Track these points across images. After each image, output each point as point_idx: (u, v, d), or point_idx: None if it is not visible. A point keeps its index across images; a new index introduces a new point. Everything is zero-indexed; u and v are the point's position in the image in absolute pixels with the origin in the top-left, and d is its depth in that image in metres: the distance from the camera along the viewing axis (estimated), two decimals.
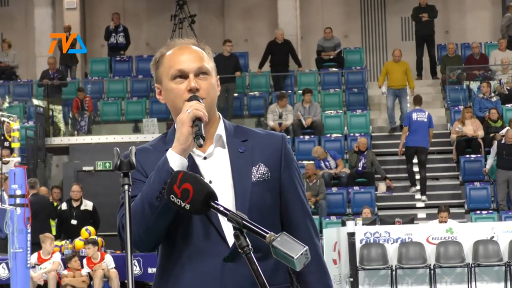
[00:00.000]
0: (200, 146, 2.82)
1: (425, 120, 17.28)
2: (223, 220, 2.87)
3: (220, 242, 2.86)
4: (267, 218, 2.96)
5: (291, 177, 3.06)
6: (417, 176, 17.60)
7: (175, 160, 2.83)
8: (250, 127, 3.15)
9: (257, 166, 3.00)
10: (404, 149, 17.42)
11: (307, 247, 2.51)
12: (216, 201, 2.60)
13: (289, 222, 3.05)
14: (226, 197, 2.92)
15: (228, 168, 2.98)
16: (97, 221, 15.37)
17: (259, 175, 2.99)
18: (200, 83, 2.96)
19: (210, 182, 2.92)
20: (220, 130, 3.03)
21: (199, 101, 2.90)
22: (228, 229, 2.86)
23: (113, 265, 13.36)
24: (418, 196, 17.42)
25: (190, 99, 2.91)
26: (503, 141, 16.65)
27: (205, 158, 2.98)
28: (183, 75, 2.98)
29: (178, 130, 2.86)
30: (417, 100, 17.86)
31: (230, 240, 2.73)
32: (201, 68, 2.99)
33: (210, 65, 3.03)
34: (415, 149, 17.27)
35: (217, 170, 2.97)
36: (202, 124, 2.84)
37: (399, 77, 18.77)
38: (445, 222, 14.33)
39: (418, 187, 17.49)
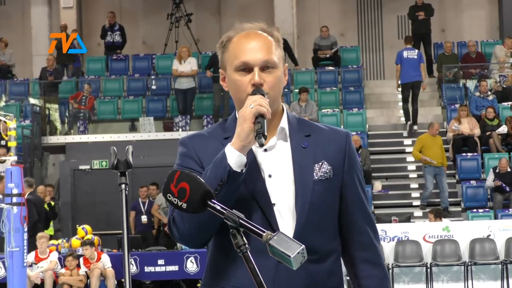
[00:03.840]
0: (261, 145, 2.69)
1: (416, 57, 18.36)
2: (280, 220, 2.81)
3: None
4: (326, 219, 2.87)
5: (353, 177, 2.94)
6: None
7: (234, 157, 2.71)
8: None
9: (320, 163, 2.87)
10: (400, 86, 18.31)
11: (303, 246, 2.44)
12: (213, 200, 2.56)
13: (348, 224, 2.94)
14: (285, 194, 2.83)
15: (290, 163, 2.85)
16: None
17: (321, 173, 2.86)
18: (265, 77, 2.83)
19: (270, 176, 2.83)
20: (284, 122, 2.90)
21: (263, 96, 2.77)
22: (284, 229, 2.78)
23: (109, 264, 13.37)
24: (415, 194, 17.45)
25: (253, 93, 2.79)
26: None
27: (265, 150, 2.86)
28: (248, 68, 2.84)
29: (239, 126, 2.73)
30: (408, 40, 18.89)
31: None
32: (268, 62, 2.84)
33: (277, 55, 2.88)
34: (411, 84, 18.15)
35: (277, 164, 2.85)
36: (265, 121, 2.71)
37: (437, 154, 16.34)
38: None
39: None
